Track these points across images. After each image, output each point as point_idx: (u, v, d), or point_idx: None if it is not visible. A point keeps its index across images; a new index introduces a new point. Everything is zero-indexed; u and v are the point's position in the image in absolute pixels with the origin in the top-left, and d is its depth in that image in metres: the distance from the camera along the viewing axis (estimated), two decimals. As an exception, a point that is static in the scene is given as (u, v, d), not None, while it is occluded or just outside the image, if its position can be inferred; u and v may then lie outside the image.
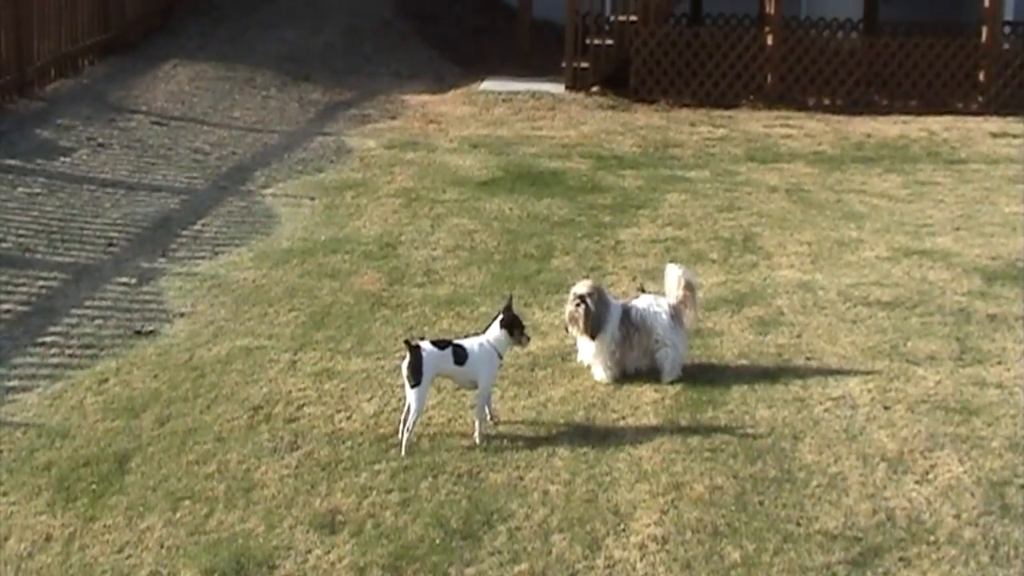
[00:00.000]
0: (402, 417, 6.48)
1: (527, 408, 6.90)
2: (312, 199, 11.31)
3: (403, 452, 6.32)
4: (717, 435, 6.53)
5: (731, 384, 7.15)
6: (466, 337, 6.74)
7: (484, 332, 6.64)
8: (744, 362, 7.52)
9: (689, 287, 7.30)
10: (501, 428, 6.64)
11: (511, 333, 6.59)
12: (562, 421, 6.73)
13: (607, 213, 10.91)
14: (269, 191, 11.60)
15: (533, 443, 6.48)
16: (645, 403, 6.93)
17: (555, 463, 6.26)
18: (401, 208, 11.02)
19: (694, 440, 6.47)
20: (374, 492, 5.98)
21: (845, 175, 12.61)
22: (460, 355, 6.50)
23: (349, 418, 6.77)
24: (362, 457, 6.32)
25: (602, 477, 6.12)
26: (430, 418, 6.70)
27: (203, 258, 9.60)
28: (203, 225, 10.46)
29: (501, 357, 6.64)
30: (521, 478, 6.11)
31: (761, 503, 5.88)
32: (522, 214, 10.87)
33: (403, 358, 6.40)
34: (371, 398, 7.01)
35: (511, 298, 6.78)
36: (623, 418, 6.76)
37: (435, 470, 6.18)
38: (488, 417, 6.64)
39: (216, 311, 8.42)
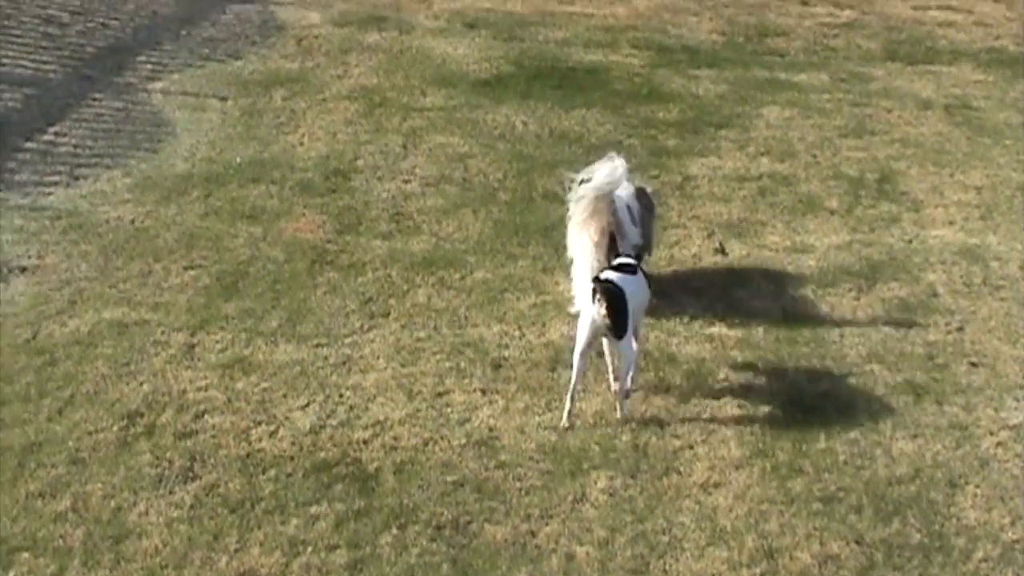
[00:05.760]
0: (569, 394, 6.85)
1: (544, 427, 6.87)
2: (223, 100, 11.27)
3: (619, 414, 6.85)
4: (832, 477, 6.51)
5: (856, 400, 7.13)
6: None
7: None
8: (876, 367, 7.49)
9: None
10: (504, 457, 6.62)
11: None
12: (597, 447, 6.71)
13: (671, 134, 10.86)
14: (158, 86, 11.54)
15: (552, 480, 6.45)
16: (724, 421, 6.93)
17: (585, 512, 6.24)
18: (358, 117, 10.98)
19: (797, 484, 6.44)
20: (309, 549, 5.95)
21: (1035, 86, 12.57)
22: (648, 281, 7.21)
23: (273, 434, 6.75)
24: (292, 495, 6.30)
25: (656, 536, 6.09)
26: (395, 439, 6.69)
27: (56, 184, 9.56)
28: (57, 135, 10.39)
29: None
30: (533, 533, 6.09)
31: (898, 583, 5.88)
32: (542, 132, 10.82)
33: (599, 301, 6.71)
34: (307, 405, 7.00)
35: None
36: (690, 446, 6.74)
37: (403, 517, 6.15)
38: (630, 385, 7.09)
39: (74, 266, 8.39)
